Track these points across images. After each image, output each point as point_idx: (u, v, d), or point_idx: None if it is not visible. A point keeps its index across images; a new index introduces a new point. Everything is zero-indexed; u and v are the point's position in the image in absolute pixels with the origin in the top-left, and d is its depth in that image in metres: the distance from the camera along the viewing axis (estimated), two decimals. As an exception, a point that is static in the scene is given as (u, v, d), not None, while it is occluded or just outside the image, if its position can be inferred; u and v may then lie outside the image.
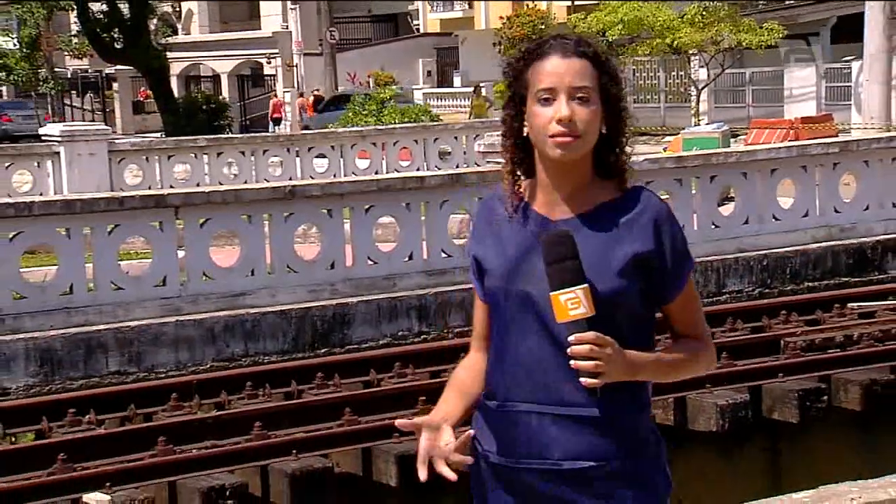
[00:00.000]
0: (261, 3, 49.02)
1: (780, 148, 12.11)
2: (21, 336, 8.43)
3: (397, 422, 2.70)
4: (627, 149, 2.55)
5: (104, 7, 33.47)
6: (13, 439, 7.20)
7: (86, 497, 6.24)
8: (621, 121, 2.52)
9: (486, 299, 2.59)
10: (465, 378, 2.66)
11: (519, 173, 2.57)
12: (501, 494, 2.56)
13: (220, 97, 39.99)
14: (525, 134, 2.52)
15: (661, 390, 7.22)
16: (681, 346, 2.58)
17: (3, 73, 49.49)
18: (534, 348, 2.48)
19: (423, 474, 2.50)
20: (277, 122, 38.00)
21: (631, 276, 2.48)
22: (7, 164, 17.71)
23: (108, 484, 6.31)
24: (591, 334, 2.38)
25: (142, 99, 46.98)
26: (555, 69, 2.46)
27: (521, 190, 2.57)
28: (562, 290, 2.40)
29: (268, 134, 30.18)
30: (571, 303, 2.39)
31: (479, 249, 2.60)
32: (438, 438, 2.51)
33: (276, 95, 41.29)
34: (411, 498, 6.91)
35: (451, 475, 2.48)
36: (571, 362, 2.40)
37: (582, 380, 2.40)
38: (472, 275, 2.63)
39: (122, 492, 6.28)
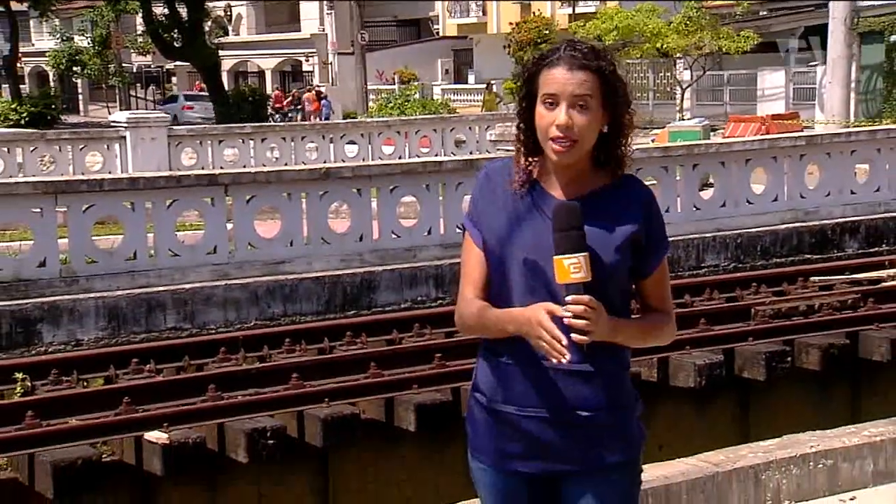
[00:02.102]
0: (301, 7, 48.83)
1: (753, 141, 12.03)
2: (92, 295, 8.46)
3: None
4: (627, 144, 2.54)
5: (166, 10, 33.39)
6: (85, 384, 7.23)
7: (147, 435, 6.26)
8: (622, 122, 2.51)
9: (488, 258, 2.52)
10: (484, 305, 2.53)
11: (530, 157, 2.54)
12: (501, 439, 2.53)
13: (306, 88, 40.10)
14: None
15: (647, 351, 7.20)
16: (651, 318, 2.58)
17: (79, 68, 49.55)
18: None
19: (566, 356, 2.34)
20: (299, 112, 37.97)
21: (626, 252, 2.48)
22: (81, 147, 17.73)
23: (165, 424, 6.34)
24: (586, 297, 2.38)
25: (197, 91, 46.93)
26: (559, 78, 2.44)
27: (531, 168, 2.55)
28: (566, 255, 2.38)
29: (306, 123, 30.13)
30: (574, 267, 2.38)
31: (486, 215, 2.54)
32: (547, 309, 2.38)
33: (308, 90, 41.17)
34: (427, 441, 6.93)
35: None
36: (565, 319, 2.38)
37: (572, 335, 2.39)
38: (474, 227, 2.55)
39: (178, 431, 6.29)
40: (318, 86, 39.15)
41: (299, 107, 37.06)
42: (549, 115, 2.44)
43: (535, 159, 2.54)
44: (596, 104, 2.45)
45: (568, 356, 2.35)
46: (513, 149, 2.59)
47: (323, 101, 36.28)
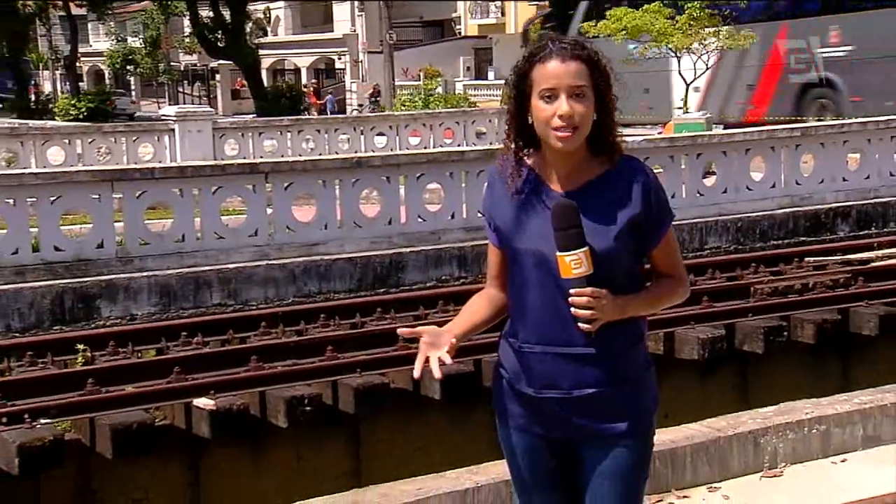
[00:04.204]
0: (334, 9, 48.78)
1: (752, 131, 11.92)
2: (145, 274, 8.52)
3: (399, 330, 2.58)
4: (616, 129, 2.47)
5: (211, 13, 33.47)
6: (139, 355, 7.30)
7: (195, 401, 6.31)
8: (610, 108, 2.45)
9: (503, 249, 2.52)
10: (479, 302, 2.59)
11: (523, 152, 2.50)
12: (522, 414, 2.54)
13: (303, 86, 40.14)
14: (530, 122, 2.45)
15: (654, 325, 7.18)
16: (661, 285, 2.53)
17: (132, 67, 49.82)
18: (547, 299, 2.43)
19: (417, 371, 2.42)
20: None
21: (625, 237, 2.42)
22: (134, 139, 17.84)
23: (212, 391, 6.38)
24: (588, 290, 2.36)
25: (238, 87, 46.98)
26: (555, 71, 2.38)
27: (529, 162, 2.50)
28: (566, 252, 2.36)
29: (339, 116, 30.13)
30: (574, 263, 2.36)
31: (496, 211, 2.52)
32: (438, 342, 2.44)
33: (305, 87, 40.97)
34: (450, 409, 6.95)
35: (438, 373, 2.40)
36: (571, 310, 2.38)
37: (580, 324, 2.39)
38: (488, 227, 2.56)
39: (224, 398, 6.34)
40: (313, 82, 39.21)
41: (378, 99, 36.83)
42: (550, 108, 2.38)
43: (528, 152, 2.48)
44: (590, 92, 2.40)
45: (417, 372, 2.42)
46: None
47: (327, 98, 36.34)
